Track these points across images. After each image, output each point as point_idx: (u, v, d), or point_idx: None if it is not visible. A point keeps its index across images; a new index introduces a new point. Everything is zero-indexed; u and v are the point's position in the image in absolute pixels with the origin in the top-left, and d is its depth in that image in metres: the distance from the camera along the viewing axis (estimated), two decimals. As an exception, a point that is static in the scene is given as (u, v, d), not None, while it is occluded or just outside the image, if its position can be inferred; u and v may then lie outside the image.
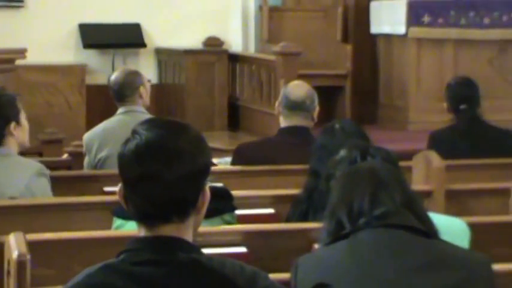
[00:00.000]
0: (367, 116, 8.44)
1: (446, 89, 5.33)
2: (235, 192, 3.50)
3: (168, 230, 2.01)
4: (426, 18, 8.07)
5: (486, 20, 8.14)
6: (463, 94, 5.18)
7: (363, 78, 8.73)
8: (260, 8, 8.81)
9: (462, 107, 5.13)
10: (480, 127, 5.13)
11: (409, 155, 4.31)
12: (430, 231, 2.34)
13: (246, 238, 3.24)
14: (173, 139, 2.01)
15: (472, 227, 2.94)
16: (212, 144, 7.27)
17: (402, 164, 4.08)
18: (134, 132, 2.03)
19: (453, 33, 8.11)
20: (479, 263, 2.29)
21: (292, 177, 4.22)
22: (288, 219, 3.66)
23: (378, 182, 2.38)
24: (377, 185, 2.37)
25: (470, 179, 4.30)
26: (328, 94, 8.16)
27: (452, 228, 2.80)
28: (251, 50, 8.87)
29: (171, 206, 2.00)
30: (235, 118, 8.49)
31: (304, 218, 3.54)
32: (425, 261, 2.25)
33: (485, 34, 8.14)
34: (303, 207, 3.57)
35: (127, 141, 2.03)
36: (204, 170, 2.03)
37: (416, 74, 8.14)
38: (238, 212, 3.47)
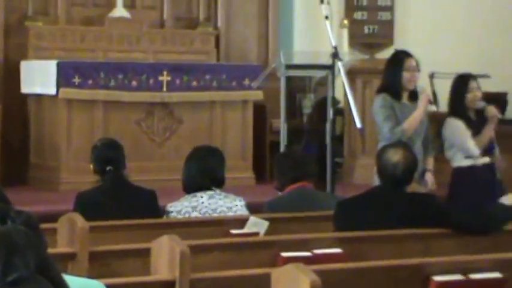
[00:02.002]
0: (18, 177, 8.28)
1: (92, 151, 5.38)
2: None
3: None
4: (76, 80, 8.12)
5: (134, 83, 8.35)
6: (108, 156, 5.25)
7: (13, 138, 8.56)
8: None
9: (108, 168, 5.20)
10: (125, 188, 5.23)
11: (59, 217, 4.27)
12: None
13: None
14: None
15: (112, 288, 2.96)
16: None
17: (49, 226, 4.06)
18: None
19: (102, 94, 8.23)
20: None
21: None
22: None
23: (12, 247, 2.34)
24: (11, 250, 2.33)
25: (116, 240, 4.34)
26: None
27: (90, 291, 2.81)
28: None
29: None
30: None
31: None
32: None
33: (133, 96, 8.35)
34: None
35: None
36: None
37: (68, 135, 8.14)
38: None
